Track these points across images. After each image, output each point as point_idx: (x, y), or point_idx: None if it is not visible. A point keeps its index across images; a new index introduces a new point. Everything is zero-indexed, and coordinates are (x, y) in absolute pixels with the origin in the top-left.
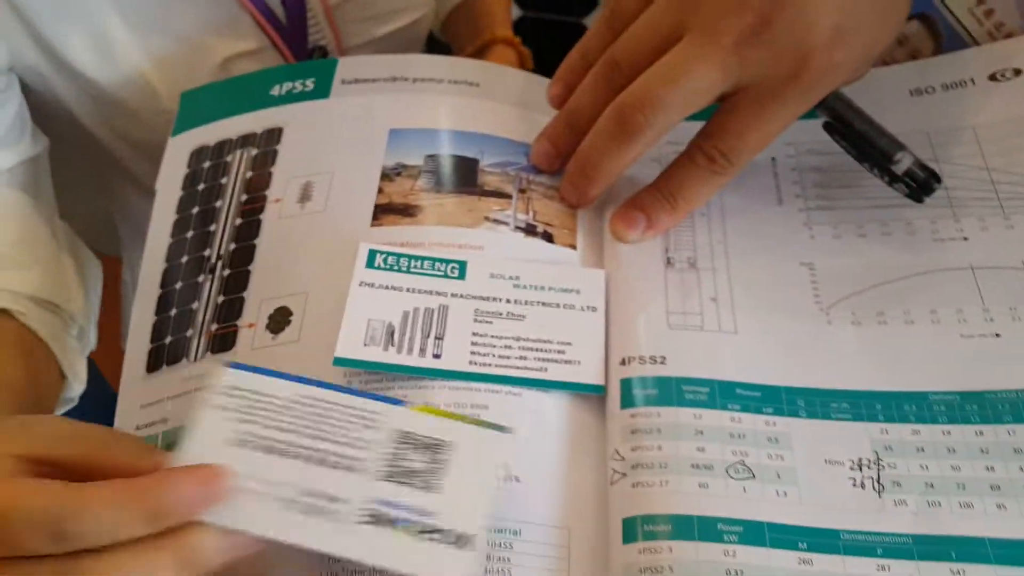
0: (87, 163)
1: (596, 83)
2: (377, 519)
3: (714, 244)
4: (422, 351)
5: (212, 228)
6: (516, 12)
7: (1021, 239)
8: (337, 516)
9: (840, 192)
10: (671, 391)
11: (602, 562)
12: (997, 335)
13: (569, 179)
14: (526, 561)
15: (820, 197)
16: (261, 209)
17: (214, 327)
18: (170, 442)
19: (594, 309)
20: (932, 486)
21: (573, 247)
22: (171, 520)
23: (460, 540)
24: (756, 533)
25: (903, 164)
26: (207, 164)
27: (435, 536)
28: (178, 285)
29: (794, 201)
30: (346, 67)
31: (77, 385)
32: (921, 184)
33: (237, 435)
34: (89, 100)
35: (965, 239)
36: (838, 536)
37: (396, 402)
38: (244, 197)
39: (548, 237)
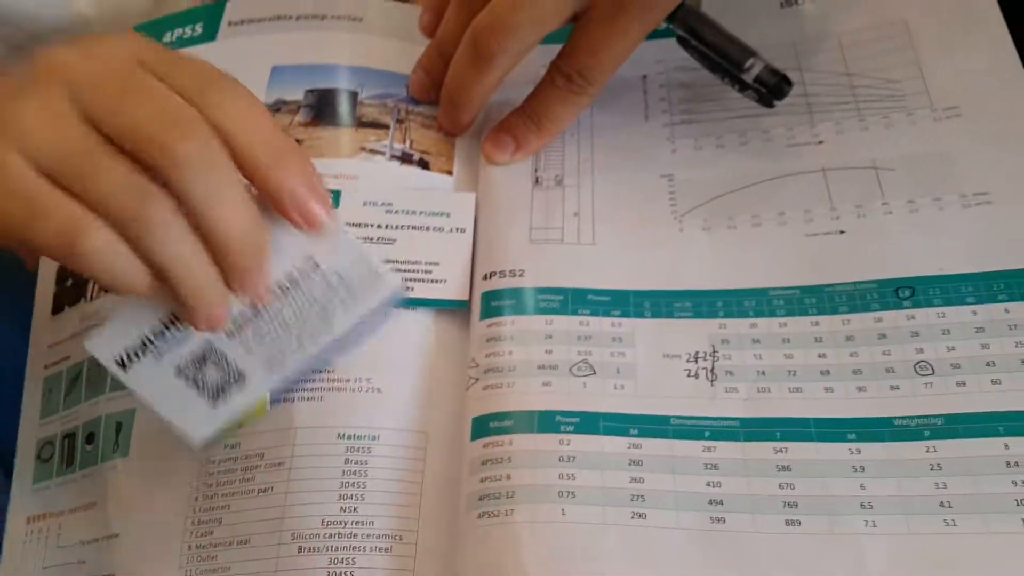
0: None
1: (459, 9)
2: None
3: (581, 162)
4: None
5: None
6: None
7: (874, 140)
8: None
9: (704, 106)
10: (526, 301)
11: (456, 462)
12: (842, 232)
13: (441, 108)
14: (383, 463)
15: (685, 112)
16: None
17: None
18: (73, 377)
19: (463, 231)
20: (764, 374)
21: (449, 173)
22: None
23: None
24: (591, 423)
25: (753, 71)
26: None
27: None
28: None
29: (660, 116)
30: (234, 9)
31: None
32: (772, 88)
33: None
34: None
35: (820, 143)
36: (668, 422)
37: None
38: None
39: (424, 164)
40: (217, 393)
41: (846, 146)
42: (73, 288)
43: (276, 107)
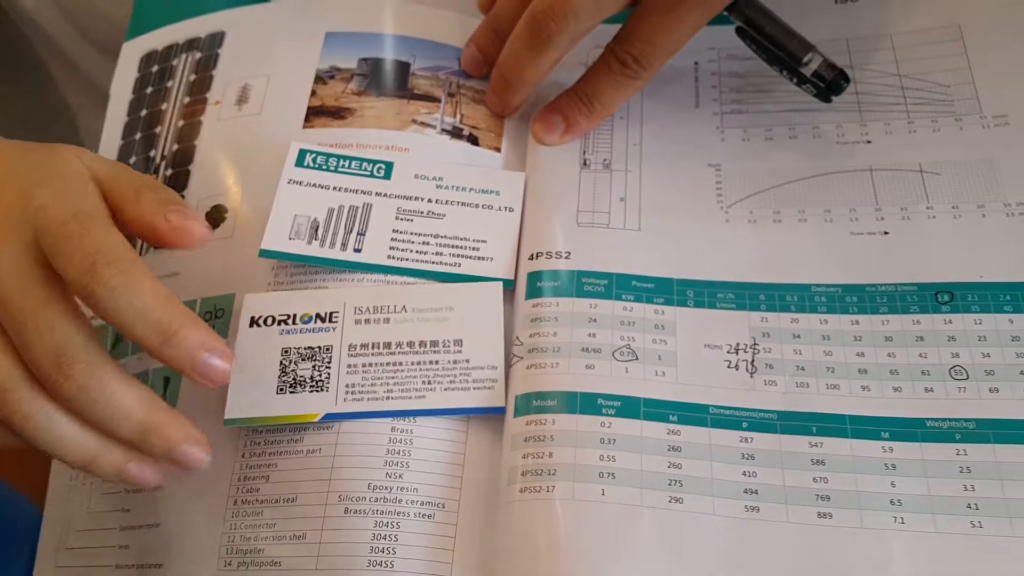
0: (45, 84)
1: None
2: None
3: (629, 146)
4: (344, 245)
5: (157, 130)
6: None
7: (921, 143)
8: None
9: (754, 96)
10: (572, 283)
11: (498, 436)
12: (886, 233)
13: (492, 87)
14: (429, 433)
15: (735, 101)
16: (202, 111)
17: None
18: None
19: (511, 210)
20: (803, 369)
21: (498, 150)
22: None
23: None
24: (632, 407)
25: (812, 65)
26: (155, 68)
27: None
28: None
29: (710, 105)
30: None
31: None
32: (830, 84)
33: None
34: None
35: (868, 142)
36: (707, 410)
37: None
38: (187, 100)
39: (473, 140)
40: (289, 388)
41: (894, 147)
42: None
43: (330, 74)
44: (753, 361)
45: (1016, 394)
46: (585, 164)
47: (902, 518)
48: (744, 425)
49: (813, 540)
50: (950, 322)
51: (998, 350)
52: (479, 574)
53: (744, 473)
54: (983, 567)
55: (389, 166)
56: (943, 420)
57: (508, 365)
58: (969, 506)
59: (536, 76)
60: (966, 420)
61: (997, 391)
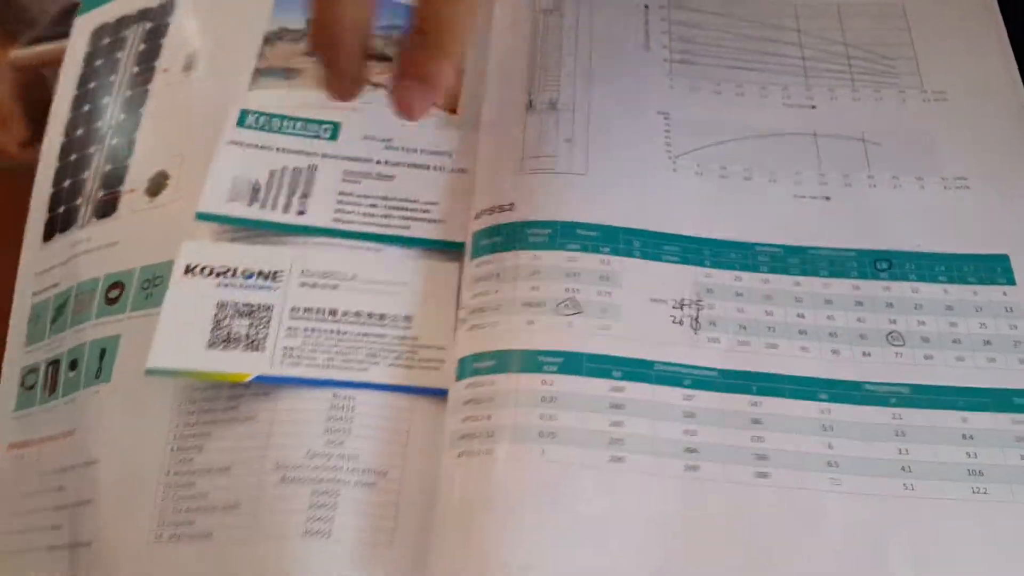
0: None
1: None
2: None
3: (578, 83)
4: (286, 208)
5: (106, 101)
6: None
7: (864, 112)
8: None
9: (703, 49)
10: (515, 236)
11: (445, 405)
12: (827, 198)
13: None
14: (372, 399)
15: (685, 51)
16: (150, 80)
17: (100, 194)
18: (60, 304)
19: (464, 171)
20: (744, 328)
21: (454, 111)
22: None
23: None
24: (574, 363)
25: None
26: (107, 41)
27: None
28: (73, 157)
29: (660, 50)
30: None
31: None
32: None
33: None
34: None
35: (813, 107)
36: (651, 367)
37: None
38: (135, 69)
39: None
40: (221, 343)
41: (838, 114)
42: (65, 215)
43: (279, 35)
44: (698, 317)
45: (948, 361)
46: (531, 105)
47: (839, 479)
48: (687, 383)
49: (750, 499)
50: (888, 289)
51: (933, 318)
52: (423, 542)
53: (685, 432)
54: (915, 527)
55: (336, 127)
56: (880, 384)
57: (454, 330)
58: (903, 468)
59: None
60: (902, 385)
61: (932, 358)
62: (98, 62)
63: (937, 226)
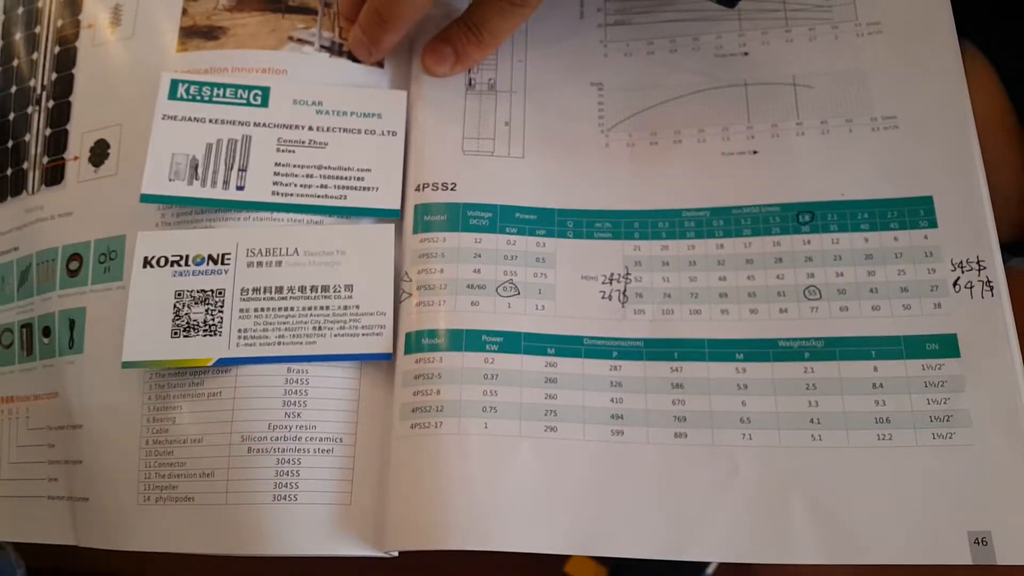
0: None
1: None
2: None
3: (515, 63)
4: (226, 183)
5: (35, 56)
6: None
7: (796, 54)
8: None
9: (639, 6)
10: (457, 217)
11: (390, 372)
12: (755, 152)
13: (362, 24)
14: (323, 371)
15: (620, 11)
16: (76, 36)
17: (45, 160)
18: (23, 269)
19: (394, 134)
20: (669, 296)
21: (380, 65)
22: None
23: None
24: (513, 342)
25: None
26: None
27: None
28: (11, 116)
29: (595, 16)
30: None
31: None
32: None
33: None
34: None
35: (746, 55)
36: (581, 342)
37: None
38: (60, 23)
39: (354, 56)
40: (183, 332)
41: (769, 59)
42: (14, 177)
43: None
44: (625, 291)
45: (864, 312)
46: (470, 85)
47: (750, 435)
48: (614, 354)
49: (670, 459)
50: (808, 242)
51: (851, 269)
52: (377, 502)
53: (612, 400)
54: (820, 474)
55: (266, 92)
56: (794, 340)
57: (398, 301)
58: (812, 420)
59: (415, 10)
60: (816, 339)
61: (847, 309)
62: (19, 10)
63: (861, 172)
